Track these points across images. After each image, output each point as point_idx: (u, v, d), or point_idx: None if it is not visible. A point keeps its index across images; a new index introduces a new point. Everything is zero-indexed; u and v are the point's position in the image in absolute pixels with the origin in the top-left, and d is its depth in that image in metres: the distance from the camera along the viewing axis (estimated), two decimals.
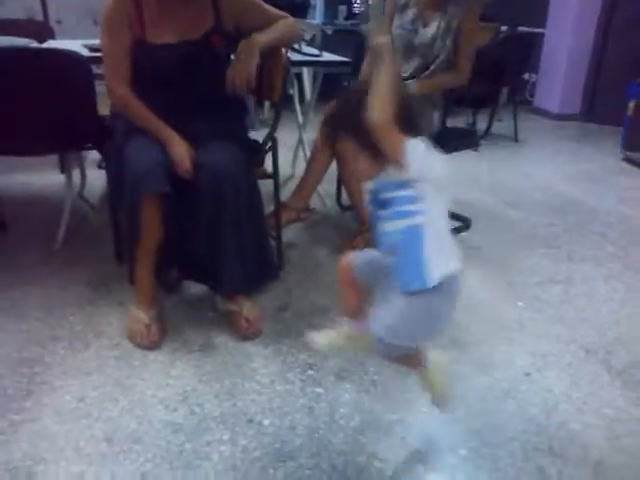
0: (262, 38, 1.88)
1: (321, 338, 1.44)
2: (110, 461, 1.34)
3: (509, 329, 1.95)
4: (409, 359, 1.38)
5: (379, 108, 1.13)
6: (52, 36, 3.39)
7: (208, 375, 1.65)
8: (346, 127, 1.22)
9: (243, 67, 1.83)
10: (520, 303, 2.12)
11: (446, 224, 1.27)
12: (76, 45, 2.44)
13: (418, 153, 1.17)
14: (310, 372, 1.68)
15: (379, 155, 1.17)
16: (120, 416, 1.48)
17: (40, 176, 3.09)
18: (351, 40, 3.32)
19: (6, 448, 1.36)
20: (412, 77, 2.46)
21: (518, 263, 2.45)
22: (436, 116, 2.51)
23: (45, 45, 2.68)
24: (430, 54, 2.43)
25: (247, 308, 1.86)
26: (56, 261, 2.27)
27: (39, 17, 4.46)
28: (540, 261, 2.48)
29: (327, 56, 2.77)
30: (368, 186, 1.28)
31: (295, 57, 2.57)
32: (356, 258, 1.37)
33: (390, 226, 1.22)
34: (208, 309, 1.96)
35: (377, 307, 1.31)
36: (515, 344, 1.87)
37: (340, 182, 2.80)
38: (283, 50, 2.01)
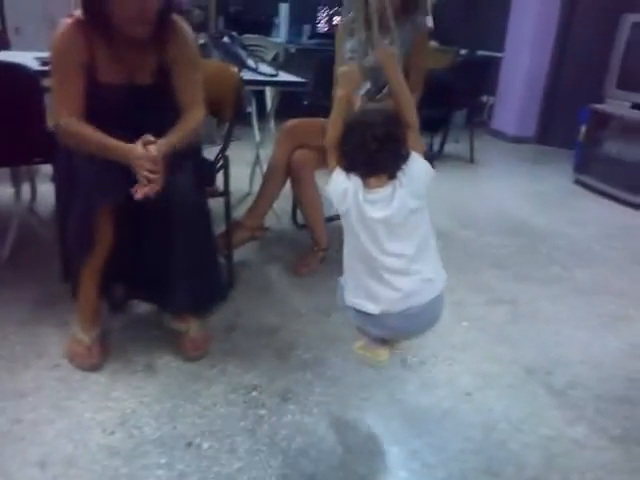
0: (162, 148, 1.71)
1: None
2: None
3: (453, 349, 1.98)
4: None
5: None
6: (7, 47, 3.33)
7: (149, 397, 1.62)
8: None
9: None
10: (465, 323, 2.16)
11: (363, 268, 1.36)
12: (27, 58, 2.41)
13: (331, 186, 1.36)
14: (254, 393, 1.67)
15: None
16: (55, 439, 1.44)
17: None
18: (314, 59, 3.37)
19: None
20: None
21: (466, 283, 2.50)
22: None
23: None
24: (380, 78, 2.47)
25: (195, 328, 1.84)
26: (1, 277, 2.22)
27: None
28: (488, 281, 2.53)
29: (284, 76, 2.79)
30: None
31: (250, 76, 2.59)
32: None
33: None
34: (154, 328, 1.94)
35: None
36: (458, 364, 1.90)
37: (295, 200, 2.81)
38: (235, 69, 2.02)
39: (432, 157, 2.99)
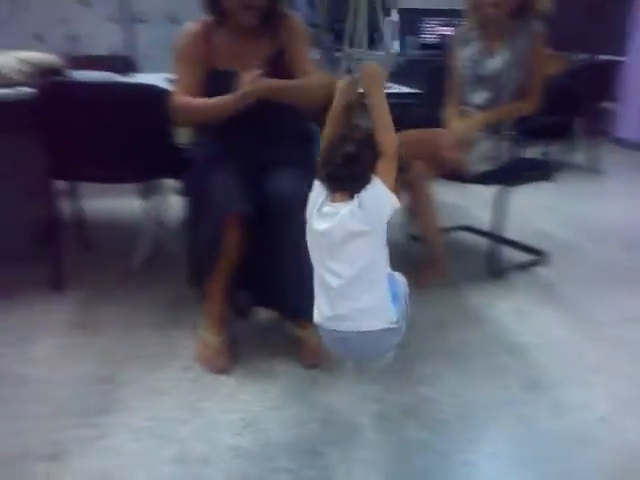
0: (275, 83, 1.82)
1: None
2: None
3: (587, 370, 1.86)
4: None
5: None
6: (136, 70, 3.59)
7: (273, 401, 1.66)
8: None
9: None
10: (599, 342, 2.03)
11: (316, 276, 1.31)
12: (157, 78, 2.58)
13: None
14: (375, 405, 1.66)
15: None
16: (189, 438, 1.51)
17: (123, 202, 3.26)
18: (424, 69, 3.34)
19: (81, 462, 1.42)
20: (482, 108, 2.45)
21: (596, 300, 2.35)
22: (505, 147, 2.47)
23: (127, 79, 2.84)
24: (498, 85, 2.41)
25: (314, 336, 1.87)
26: (134, 283, 2.38)
27: (126, 52, 4.76)
28: (620, 298, 2.36)
29: (395, 87, 2.80)
30: None
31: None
32: None
33: None
34: (278, 335, 1.99)
35: None
36: (593, 386, 1.78)
37: (411, 212, 2.78)
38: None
39: (554, 167, 2.85)
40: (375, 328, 1.26)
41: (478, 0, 2.37)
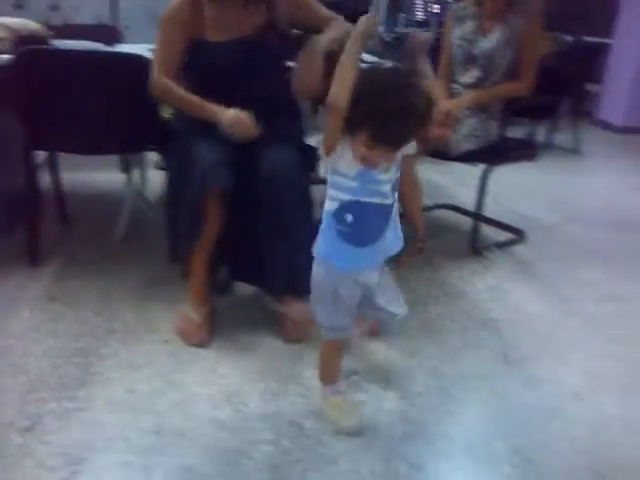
0: (323, 41, 1.87)
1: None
2: (157, 453, 1.38)
3: (560, 346, 1.90)
4: None
5: (338, 89, 1.17)
6: (120, 40, 3.52)
7: (253, 375, 1.67)
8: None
9: (306, 72, 1.85)
10: (572, 319, 2.06)
11: None
12: (142, 49, 2.53)
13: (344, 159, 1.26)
14: (355, 378, 1.68)
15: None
16: (167, 410, 1.52)
17: (102, 175, 3.21)
18: None
19: (59, 434, 1.42)
20: (473, 87, 2.44)
21: (572, 278, 2.38)
22: (494, 126, 2.47)
23: (113, 49, 2.79)
24: (491, 64, 2.40)
25: (295, 310, 1.88)
26: (114, 257, 2.36)
27: (109, 22, 4.67)
28: (596, 277, 2.40)
29: (388, 63, 2.77)
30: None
31: None
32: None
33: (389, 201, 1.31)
34: (257, 310, 2.00)
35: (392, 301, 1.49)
36: (565, 362, 1.82)
37: None
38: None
39: (538, 147, 2.87)
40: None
41: None
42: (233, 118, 1.74)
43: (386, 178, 1.28)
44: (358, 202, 1.28)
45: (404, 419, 1.53)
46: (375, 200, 1.28)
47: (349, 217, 1.29)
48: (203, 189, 1.70)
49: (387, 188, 1.29)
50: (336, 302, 1.38)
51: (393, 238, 1.37)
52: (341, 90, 1.17)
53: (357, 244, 1.32)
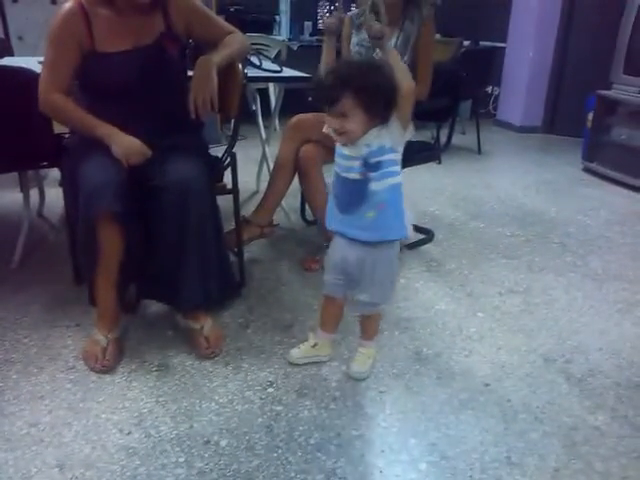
0: (216, 58, 1.86)
1: (297, 352, 1.78)
2: None
3: (469, 340, 1.97)
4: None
5: (409, 79, 1.49)
6: (10, 53, 3.34)
7: (165, 396, 1.62)
8: (353, 85, 1.40)
9: (202, 89, 1.82)
10: (480, 314, 2.15)
11: None
12: (32, 62, 2.40)
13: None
14: (270, 390, 1.66)
15: (372, 117, 1.44)
16: (73, 441, 1.44)
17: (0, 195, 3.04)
18: (317, 55, 3.34)
19: None
20: None
21: (479, 274, 2.48)
22: None
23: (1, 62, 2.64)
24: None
25: (208, 327, 1.84)
26: (12, 281, 2.22)
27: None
28: (501, 272, 2.51)
29: (288, 72, 2.78)
30: (348, 151, 1.51)
31: (255, 73, 2.58)
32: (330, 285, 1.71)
33: (379, 185, 1.49)
34: (168, 328, 1.94)
35: (364, 289, 1.62)
36: (474, 355, 1.88)
37: (304, 196, 2.80)
38: (239, 67, 2.01)
39: (440, 149, 2.97)
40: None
41: None
42: (125, 150, 1.68)
43: (348, 154, 1.50)
44: (336, 173, 1.57)
45: (318, 426, 1.53)
46: (344, 174, 1.53)
47: (336, 185, 1.58)
48: (90, 213, 1.62)
49: (351, 164, 1.50)
50: (327, 259, 1.69)
51: (383, 221, 1.54)
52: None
53: (339, 209, 1.58)
